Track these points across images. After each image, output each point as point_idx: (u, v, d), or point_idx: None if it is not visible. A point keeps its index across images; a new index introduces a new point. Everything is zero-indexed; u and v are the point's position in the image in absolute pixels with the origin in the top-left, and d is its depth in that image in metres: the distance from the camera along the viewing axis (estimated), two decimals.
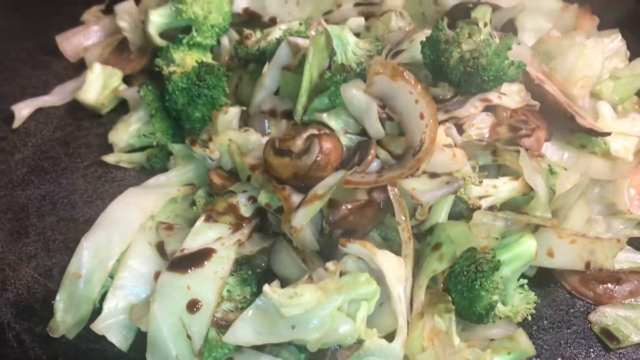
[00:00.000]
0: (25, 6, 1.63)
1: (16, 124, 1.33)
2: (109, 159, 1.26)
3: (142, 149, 1.27)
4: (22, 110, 1.34)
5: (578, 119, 1.06)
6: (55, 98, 1.38)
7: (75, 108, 1.37)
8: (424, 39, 1.02)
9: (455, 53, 0.98)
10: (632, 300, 1.04)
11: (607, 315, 1.03)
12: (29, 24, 1.58)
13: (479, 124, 1.01)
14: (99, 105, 1.33)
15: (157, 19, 1.29)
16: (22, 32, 1.56)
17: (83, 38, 1.49)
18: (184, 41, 1.26)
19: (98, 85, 1.34)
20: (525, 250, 0.99)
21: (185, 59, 1.25)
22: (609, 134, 1.09)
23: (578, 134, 1.11)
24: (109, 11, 1.57)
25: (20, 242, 1.13)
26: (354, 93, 1.01)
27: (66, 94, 1.39)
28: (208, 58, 1.28)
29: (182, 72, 1.22)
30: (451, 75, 1.00)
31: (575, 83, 1.14)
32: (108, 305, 0.98)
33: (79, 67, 1.46)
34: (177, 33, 1.31)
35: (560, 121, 1.09)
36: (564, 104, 1.07)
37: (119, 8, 1.49)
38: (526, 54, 1.11)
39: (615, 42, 1.24)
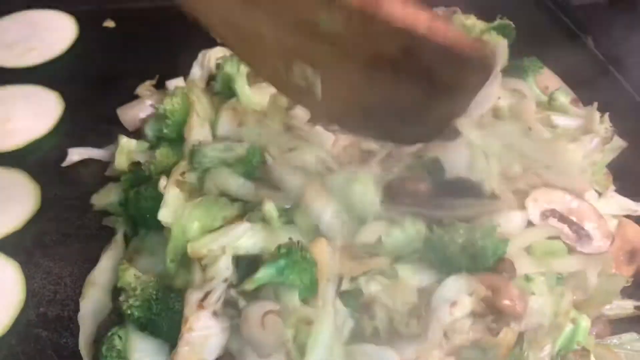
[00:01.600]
0: (86, 79, 1.89)
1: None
2: (109, 222, 1.50)
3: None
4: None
5: None
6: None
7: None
8: None
9: None
10: (599, 340, 1.27)
11: None
12: (91, 96, 1.85)
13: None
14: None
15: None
16: (86, 102, 1.82)
17: (139, 111, 1.74)
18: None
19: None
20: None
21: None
22: None
23: None
24: (160, 85, 1.84)
25: None
26: None
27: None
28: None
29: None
30: None
31: None
32: None
33: (138, 136, 1.69)
34: None
35: None
36: None
37: (170, 85, 1.77)
38: None
39: (593, 141, 1.41)
